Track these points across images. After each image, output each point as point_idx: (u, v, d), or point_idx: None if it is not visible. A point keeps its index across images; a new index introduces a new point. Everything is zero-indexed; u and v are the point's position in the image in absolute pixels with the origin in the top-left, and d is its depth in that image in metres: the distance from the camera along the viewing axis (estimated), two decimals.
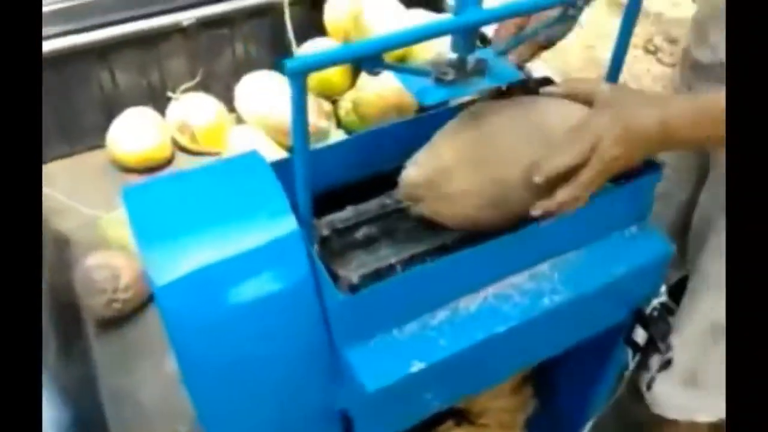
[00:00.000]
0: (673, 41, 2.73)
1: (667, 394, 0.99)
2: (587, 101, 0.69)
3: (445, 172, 0.67)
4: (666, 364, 0.78)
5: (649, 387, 0.82)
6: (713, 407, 0.99)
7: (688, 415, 1.03)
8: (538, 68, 1.13)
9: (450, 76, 0.65)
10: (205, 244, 0.65)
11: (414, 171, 0.69)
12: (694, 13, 1.03)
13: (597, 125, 0.63)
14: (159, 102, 1.48)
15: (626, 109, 0.65)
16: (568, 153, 0.63)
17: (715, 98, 0.63)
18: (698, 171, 1.07)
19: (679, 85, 1.08)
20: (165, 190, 0.72)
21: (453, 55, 0.65)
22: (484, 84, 0.66)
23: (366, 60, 0.58)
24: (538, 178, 0.63)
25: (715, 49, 0.94)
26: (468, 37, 0.63)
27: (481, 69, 0.66)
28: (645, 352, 0.77)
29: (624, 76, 2.68)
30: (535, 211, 0.63)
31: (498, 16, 0.63)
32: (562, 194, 0.63)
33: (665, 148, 0.69)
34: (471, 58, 0.65)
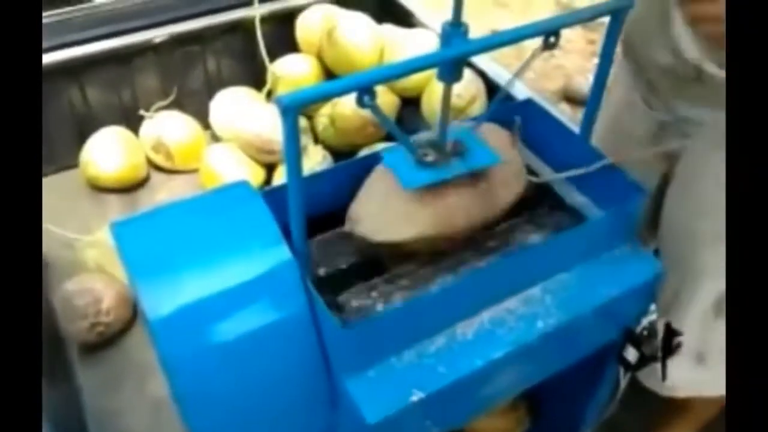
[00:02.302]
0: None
1: (677, 376, 1.02)
2: None
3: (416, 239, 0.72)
4: (676, 348, 0.81)
5: (664, 377, 0.86)
6: (720, 382, 1.04)
7: (697, 391, 1.08)
8: (520, 91, 1.16)
9: (430, 158, 0.68)
10: (199, 277, 0.66)
11: (392, 236, 0.72)
12: (632, 14, 1.07)
13: None
14: (132, 120, 1.47)
15: None
16: None
17: None
18: (666, 161, 1.12)
19: (631, 85, 1.11)
20: (154, 222, 0.72)
21: (432, 136, 0.69)
22: (463, 167, 0.70)
23: (359, 93, 0.60)
24: None
25: (675, 48, 0.97)
26: (454, 68, 0.65)
27: (459, 151, 0.70)
28: (636, 369, 0.80)
29: (572, 76, 2.72)
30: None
31: (483, 48, 0.65)
32: None
33: None
34: (449, 140, 0.69)
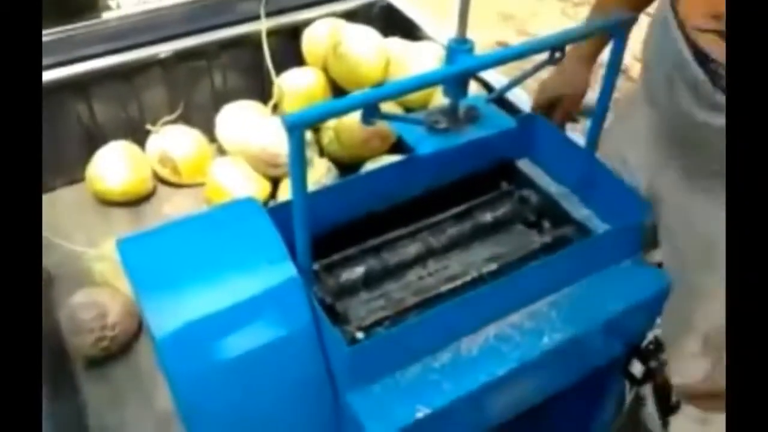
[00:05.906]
0: (640, 59, 2.81)
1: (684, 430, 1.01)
2: None
3: None
4: (676, 408, 0.81)
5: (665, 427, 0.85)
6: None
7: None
8: (525, 102, 1.16)
9: (442, 124, 0.66)
10: (204, 294, 0.66)
11: None
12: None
13: None
14: (138, 135, 1.48)
15: None
16: None
17: None
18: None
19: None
20: (161, 239, 0.72)
21: (445, 102, 0.66)
22: (476, 133, 0.68)
23: (365, 111, 0.60)
24: None
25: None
26: (459, 84, 0.65)
27: (472, 116, 0.68)
28: (642, 383, 0.79)
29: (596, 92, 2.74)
30: None
31: (487, 64, 0.65)
32: None
33: None
34: (462, 106, 0.67)
